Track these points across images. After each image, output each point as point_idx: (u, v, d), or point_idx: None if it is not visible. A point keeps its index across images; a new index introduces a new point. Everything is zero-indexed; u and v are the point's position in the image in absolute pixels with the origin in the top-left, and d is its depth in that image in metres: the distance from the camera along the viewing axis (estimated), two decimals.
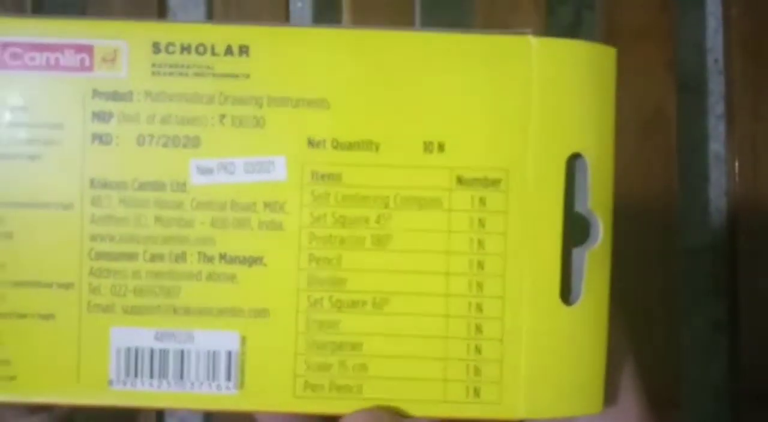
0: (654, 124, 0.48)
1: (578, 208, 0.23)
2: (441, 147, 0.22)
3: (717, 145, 0.53)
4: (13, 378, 0.22)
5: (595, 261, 0.23)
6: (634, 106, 0.47)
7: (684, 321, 0.50)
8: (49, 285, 0.22)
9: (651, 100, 0.48)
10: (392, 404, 0.23)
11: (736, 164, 0.50)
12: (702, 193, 0.53)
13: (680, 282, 0.49)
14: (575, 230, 0.23)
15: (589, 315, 0.23)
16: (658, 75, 0.49)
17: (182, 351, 0.22)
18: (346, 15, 0.48)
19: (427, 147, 0.22)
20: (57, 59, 0.22)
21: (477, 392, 0.23)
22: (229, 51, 0.22)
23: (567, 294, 0.23)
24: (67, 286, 0.22)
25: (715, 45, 0.53)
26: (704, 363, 0.52)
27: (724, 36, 0.51)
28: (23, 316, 0.22)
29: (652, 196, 0.49)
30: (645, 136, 0.48)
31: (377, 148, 0.22)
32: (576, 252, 0.23)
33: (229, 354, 0.22)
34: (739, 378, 0.50)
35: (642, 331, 0.46)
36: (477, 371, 0.23)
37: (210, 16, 0.53)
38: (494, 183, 0.23)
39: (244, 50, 0.22)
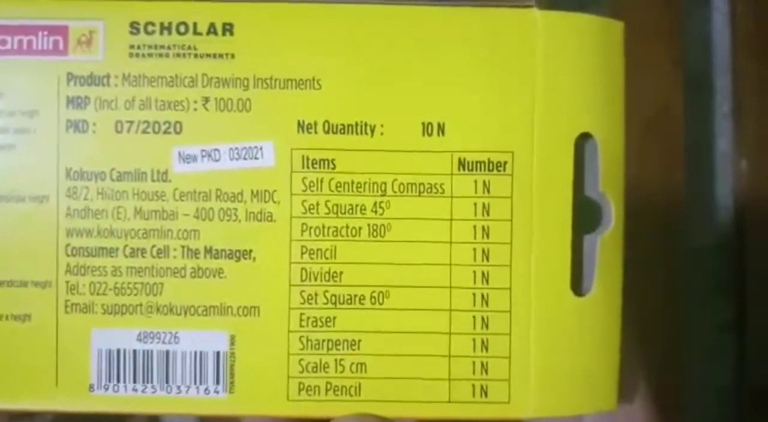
0: (660, 122, 0.48)
1: (588, 191, 0.22)
2: (441, 129, 0.21)
3: (724, 143, 0.52)
4: None
5: (608, 248, 0.21)
6: (640, 104, 0.46)
7: (689, 322, 0.49)
8: (24, 284, 0.21)
9: (657, 97, 0.48)
10: (394, 405, 0.21)
11: (743, 162, 0.50)
12: (708, 191, 0.52)
13: (685, 283, 0.49)
14: (586, 215, 0.22)
15: (602, 306, 0.21)
16: (665, 72, 0.48)
17: (167, 353, 0.21)
18: None
19: (426, 129, 0.21)
20: (30, 42, 0.21)
21: (484, 391, 0.21)
22: (212, 29, 0.21)
23: (578, 284, 0.21)
24: (44, 285, 0.21)
25: (721, 42, 0.52)
26: (709, 365, 0.51)
27: (730, 33, 0.51)
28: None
29: (658, 195, 0.48)
30: (651, 134, 0.47)
31: (372, 131, 0.21)
32: (587, 238, 0.22)
33: (218, 355, 0.21)
34: (744, 380, 0.49)
35: (646, 332, 0.45)
36: (484, 368, 0.21)
37: None
38: (499, 166, 0.21)
39: (228, 28, 0.21)
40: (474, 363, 0.21)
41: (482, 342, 0.21)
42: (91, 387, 0.21)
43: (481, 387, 0.21)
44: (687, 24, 0.50)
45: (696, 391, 0.50)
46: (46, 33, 0.21)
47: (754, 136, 0.50)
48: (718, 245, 0.51)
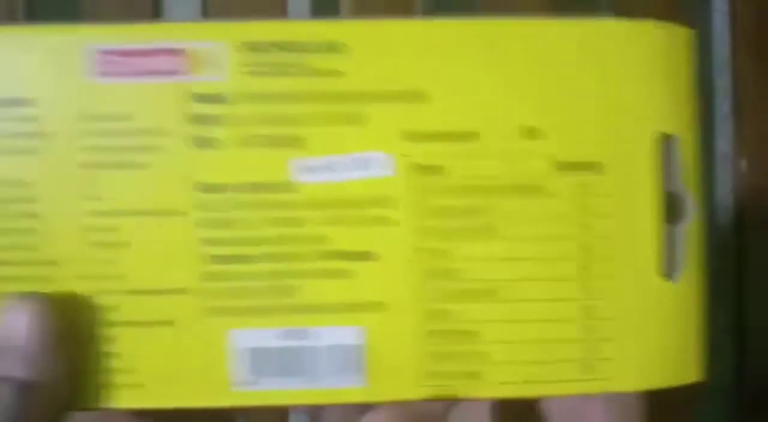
0: None
1: (671, 186, 0.23)
2: (539, 133, 0.23)
3: (723, 143, 0.53)
4: (141, 385, 0.22)
5: (691, 238, 0.23)
6: None
7: None
8: (166, 292, 0.22)
9: None
10: (512, 386, 0.23)
11: (743, 162, 0.50)
12: (708, 191, 0.53)
13: None
14: (670, 208, 0.23)
15: (690, 290, 0.24)
16: None
17: (308, 349, 0.22)
18: (344, 8, 0.48)
19: (525, 134, 0.23)
20: (153, 64, 0.22)
21: (591, 369, 0.23)
22: (324, 48, 0.22)
23: (668, 271, 0.23)
24: (184, 292, 0.22)
25: (721, 42, 0.53)
26: (710, 365, 0.52)
27: (730, 33, 0.51)
28: (144, 324, 0.22)
29: None
30: None
31: (476, 138, 0.23)
32: (673, 229, 0.23)
33: (355, 348, 0.22)
34: (744, 380, 0.50)
35: None
36: (591, 350, 0.23)
37: (205, 8, 0.50)
38: (593, 166, 0.23)
39: (339, 47, 0.22)
40: (581, 345, 0.23)
41: (589, 326, 0.23)
42: (235, 383, 0.22)
43: (589, 366, 0.23)
44: (687, 24, 0.51)
45: (696, 390, 0.51)
46: (168, 55, 0.22)
47: (754, 136, 0.50)
48: (718, 245, 0.52)
